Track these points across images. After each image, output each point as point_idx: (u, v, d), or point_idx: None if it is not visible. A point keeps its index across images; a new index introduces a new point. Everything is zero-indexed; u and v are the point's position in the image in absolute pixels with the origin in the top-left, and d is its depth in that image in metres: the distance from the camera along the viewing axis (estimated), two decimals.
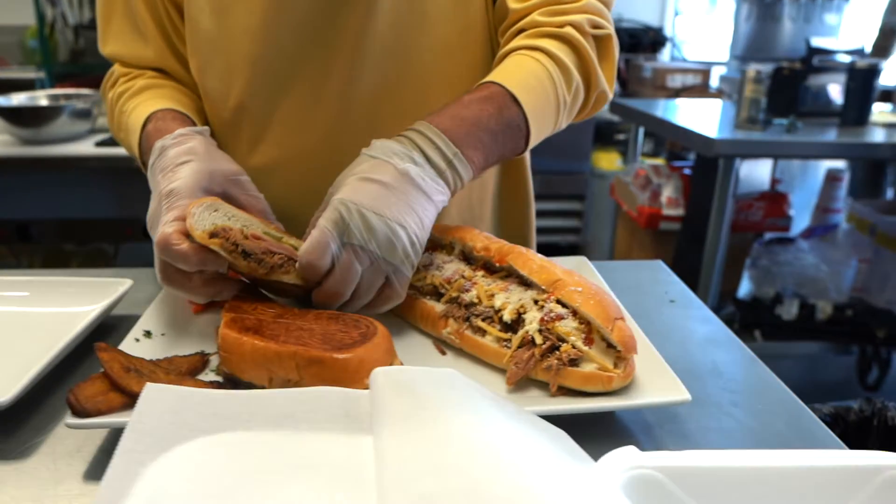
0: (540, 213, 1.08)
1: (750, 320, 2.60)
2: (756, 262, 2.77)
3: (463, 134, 0.70)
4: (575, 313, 0.62)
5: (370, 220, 0.64)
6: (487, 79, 0.75)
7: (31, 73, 3.60)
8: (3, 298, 0.79)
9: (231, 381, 0.60)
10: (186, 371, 0.62)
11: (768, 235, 2.82)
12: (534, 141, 0.77)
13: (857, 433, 1.06)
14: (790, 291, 2.67)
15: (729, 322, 2.64)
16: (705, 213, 2.32)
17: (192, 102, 0.89)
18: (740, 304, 2.70)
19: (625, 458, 0.40)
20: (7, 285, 0.81)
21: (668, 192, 2.61)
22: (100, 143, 2.21)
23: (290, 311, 0.66)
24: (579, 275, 0.66)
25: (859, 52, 2.61)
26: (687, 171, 2.69)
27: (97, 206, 2.46)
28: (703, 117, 2.67)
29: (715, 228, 2.25)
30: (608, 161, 3.80)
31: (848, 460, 0.39)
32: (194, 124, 0.82)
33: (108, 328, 0.77)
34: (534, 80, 0.75)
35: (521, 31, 0.80)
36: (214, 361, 0.65)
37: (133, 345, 0.67)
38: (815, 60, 2.50)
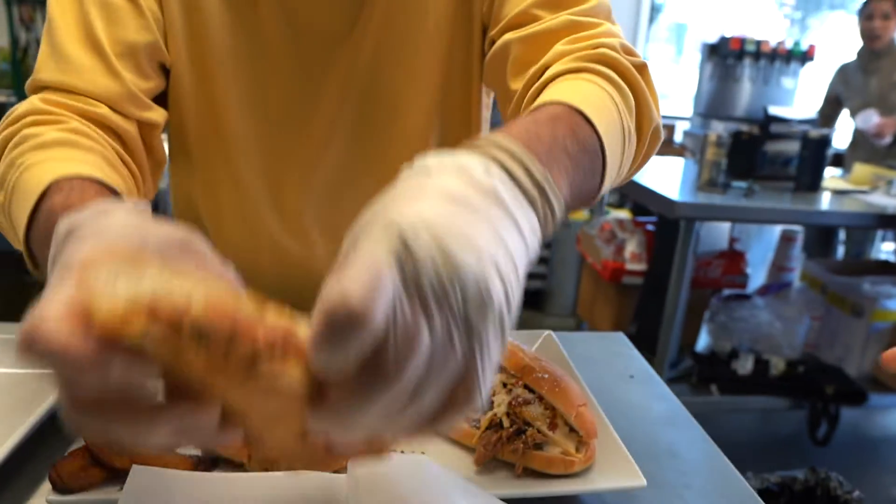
0: None
1: (707, 374, 2.68)
2: (714, 317, 2.86)
3: (544, 153, 0.45)
4: (541, 399, 0.67)
5: (454, 257, 0.33)
6: (539, 102, 0.55)
7: (1, 97, 3.57)
8: None
9: (211, 459, 0.63)
10: None
11: (726, 292, 2.92)
12: (607, 181, 0.55)
13: (801, 501, 1.11)
14: (746, 347, 2.76)
15: (687, 375, 2.72)
16: (667, 270, 2.41)
17: (125, 178, 0.64)
18: (698, 357, 2.78)
19: None
20: None
21: (631, 248, 2.70)
22: None
23: None
24: (547, 361, 0.71)
25: (812, 122, 2.76)
26: (650, 227, 2.78)
27: None
28: (665, 176, 2.78)
29: (675, 285, 2.33)
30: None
31: None
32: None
33: None
34: (596, 98, 0.56)
35: (544, 69, 0.64)
36: None
37: None
38: (772, 128, 2.63)
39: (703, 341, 2.95)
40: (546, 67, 0.64)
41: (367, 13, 0.77)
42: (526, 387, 0.68)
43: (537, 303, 4.00)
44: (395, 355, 0.31)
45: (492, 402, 0.68)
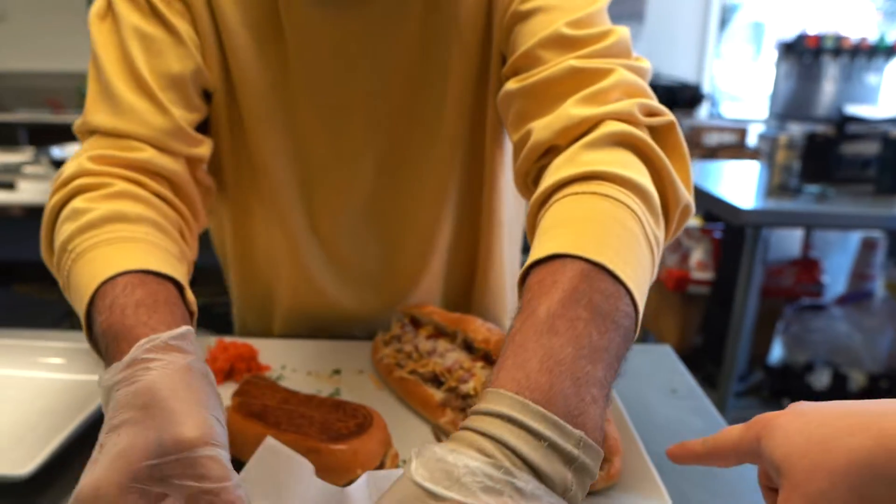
0: None
1: (779, 388, 2.56)
2: (788, 328, 2.73)
3: (573, 394, 0.40)
4: None
5: None
6: (554, 251, 0.46)
7: None
8: (37, 364, 0.85)
9: (234, 462, 0.64)
10: None
11: (801, 302, 2.78)
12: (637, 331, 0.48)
13: None
14: (822, 360, 2.62)
15: (757, 389, 2.60)
16: (735, 279, 2.31)
17: (174, 239, 0.65)
18: (770, 370, 2.66)
19: None
20: (41, 351, 0.86)
21: (697, 256, 2.61)
22: None
23: (295, 397, 0.70)
24: None
25: (893, 121, 2.60)
26: (717, 235, 2.68)
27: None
28: (738, 181, 2.68)
29: (743, 294, 2.24)
30: None
31: None
32: (183, 298, 0.56)
33: None
34: (616, 229, 0.48)
35: (544, 149, 0.61)
36: None
37: None
38: (848, 128, 2.49)
39: (776, 353, 2.82)
40: (547, 148, 0.60)
41: None
42: None
43: None
44: None
45: None
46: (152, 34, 0.71)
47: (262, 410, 0.65)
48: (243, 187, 0.87)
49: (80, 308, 0.54)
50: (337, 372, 0.86)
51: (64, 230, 0.61)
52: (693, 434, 0.80)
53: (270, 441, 0.58)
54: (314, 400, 0.69)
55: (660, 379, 0.93)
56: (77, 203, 0.62)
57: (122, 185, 0.64)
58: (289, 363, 0.87)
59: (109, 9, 0.72)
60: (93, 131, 0.70)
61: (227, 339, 0.87)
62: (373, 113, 0.81)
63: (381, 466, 0.64)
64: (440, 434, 0.73)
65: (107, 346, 0.50)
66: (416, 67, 0.78)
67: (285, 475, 0.55)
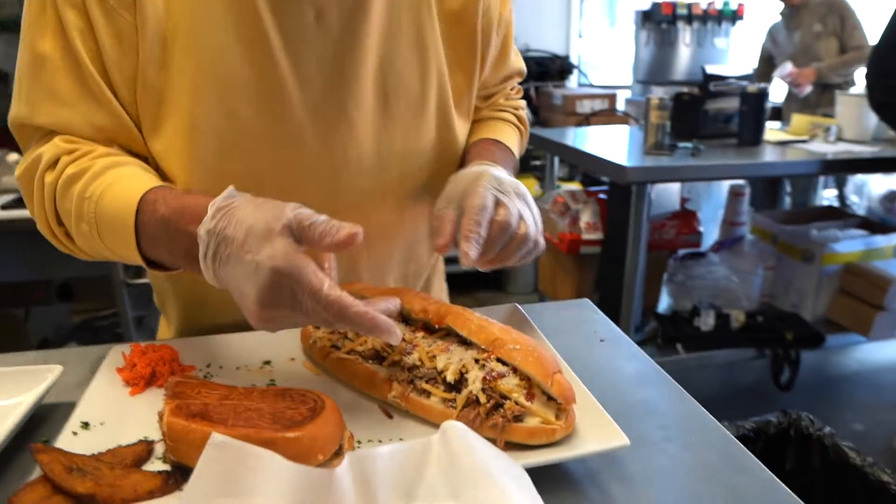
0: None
1: (671, 334, 2.72)
2: (672, 277, 2.91)
3: (512, 170, 0.92)
4: (515, 370, 0.65)
5: (515, 182, 0.79)
6: (499, 139, 0.96)
7: None
8: None
9: (180, 470, 0.60)
10: (132, 462, 0.61)
11: (681, 252, 2.97)
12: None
13: (776, 443, 1.14)
14: (706, 303, 2.81)
15: (653, 337, 2.76)
16: (623, 236, 2.43)
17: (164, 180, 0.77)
18: (661, 318, 2.82)
19: None
20: None
21: (586, 218, 2.71)
22: (4, 206, 2.11)
23: (235, 391, 0.66)
24: (516, 332, 0.69)
25: (749, 78, 2.81)
26: (602, 196, 2.80)
27: (3, 270, 2.34)
28: (612, 144, 2.80)
29: (633, 250, 2.35)
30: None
31: None
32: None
33: (40, 419, 0.74)
34: (515, 137, 1.02)
35: (487, 99, 1.04)
36: (159, 448, 0.64)
37: (71, 439, 0.65)
38: (711, 86, 2.67)
39: (664, 302, 3.00)
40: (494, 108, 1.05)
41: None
42: (499, 360, 0.66)
43: (498, 283, 4.01)
44: (506, 214, 0.73)
45: (465, 379, 0.67)
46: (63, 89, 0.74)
47: (203, 410, 0.61)
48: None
49: (126, 227, 0.69)
50: (267, 363, 0.82)
51: (73, 191, 0.72)
52: (630, 378, 0.83)
53: (216, 437, 0.54)
54: (255, 392, 0.66)
55: (585, 330, 0.96)
56: (70, 170, 0.73)
57: (102, 149, 0.75)
58: (213, 360, 0.82)
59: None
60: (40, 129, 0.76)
61: (143, 344, 0.80)
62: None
63: (339, 449, 0.61)
64: (389, 410, 0.72)
65: (174, 225, 0.66)
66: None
67: (243, 469, 0.52)
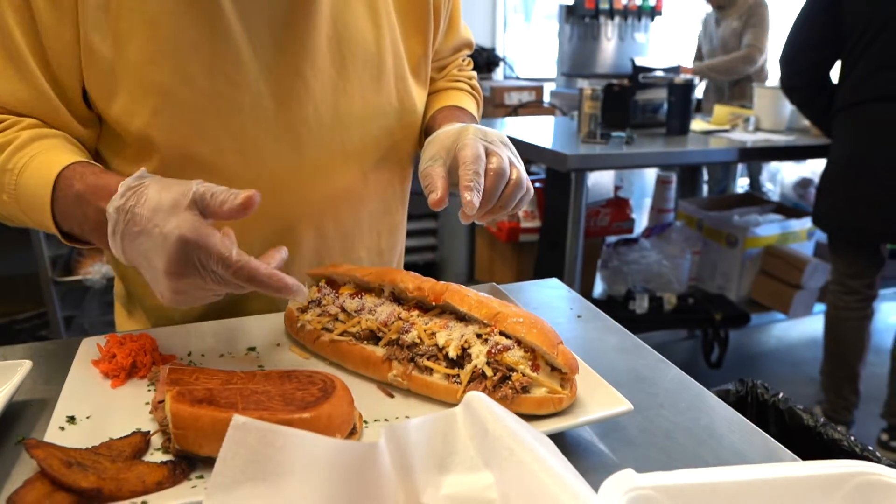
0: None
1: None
2: (607, 263, 2.99)
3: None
4: (519, 343, 0.66)
5: (499, 134, 0.81)
6: (460, 105, 1.00)
7: None
8: None
9: (185, 458, 0.57)
10: (130, 454, 0.58)
11: (614, 238, 3.06)
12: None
13: (737, 410, 1.19)
14: (640, 287, 2.91)
15: None
16: (562, 223, 2.49)
17: (88, 155, 0.79)
18: (597, 303, 2.89)
19: (625, 482, 0.44)
20: None
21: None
22: None
23: (236, 375, 0.63)
24: (515, 306, 0.70)
25: (675, 70, 2.92)
26: (538, 185, 2.85)
27: None
28: (543, 133, 2.86)
29: (573, 236, 2.41)
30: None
31: (825, 469, 0.46)
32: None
33: (13, 417, 0.69)
34: (473, 105, 1.05)
35: (441, 70, 1.08)
36: (156, 439, 0.61)
37: (59, 434, 0.61)
38: (640, 78, 2.76)
39: (598, 287, 3.09)
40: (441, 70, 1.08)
41: None
42: (502, 333, 0.67)
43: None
44: (499, 162, 0.76)
45: (468, 355, 0.67)
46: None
47: (208, 395, 0.59)
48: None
49: (43, 200, 0.71)
50: (252, 349, 0.79)
51: None
52: (614, 350, 0.86)
53: (239, 419, 0.52)
54: (258, 375, 0.64)
55: (561, 307, 0.98)
56: None
57: (28, 120, 0.76)
58: (195, 349, 0.79)
59: None
60: None
61: (120, 334, 0.76)
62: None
63: (353, 428, 0.60)
64: (389, 389, 0.71)
65: (87, 201, 0.68)
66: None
67: (271, 449, 0.50)
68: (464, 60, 1.11)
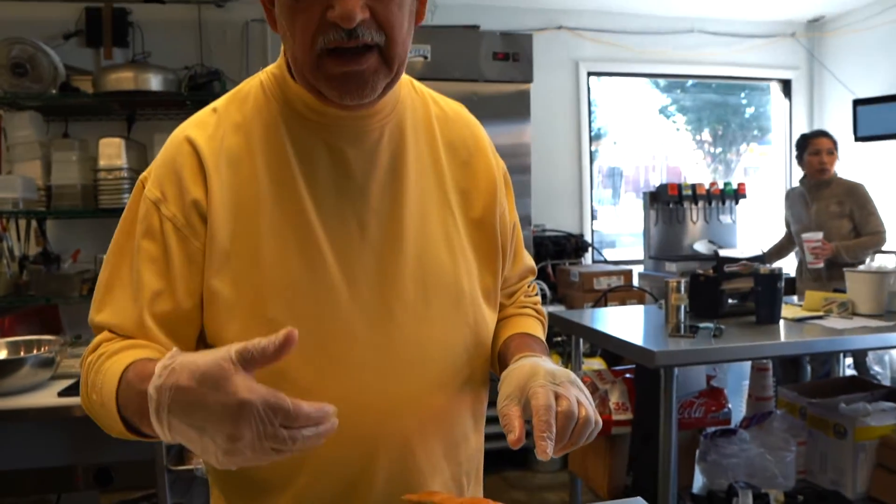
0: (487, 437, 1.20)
1: None
2: (705, 456, 2.89)
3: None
4: None
5: (567, 373, 0.90)
6: (529, 332, 1.10)
7: None
8: None
9: None
10: None
11: (710, 429, 2.97)
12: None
13: None
14: (742, 482, 2.77)
15: None
16: (653, 416, 2.47)
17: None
18: (697, 499, 2.77)
19: None
20: None
21: (615, 398, 2.77)
22: (63, 393, 2.15)
23: None
24: None
25: (760, 259, 2.97)
26: (629, 375, 2.87)
27: (49, 455, 2.35)
28: (632, 324, 2.92)
29: (665, 432, 2.38)
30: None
31: None
32: None
33: None
34: (540, 329, 1.16)
35: (510, 297, 1.20)
36: None
37: None
38: (725, 268, 2.83)
39: (698, 481, 2.95)
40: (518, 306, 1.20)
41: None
42: None
43: (525, 461, 3.96)
44: (568, 405, 0.84)
45: None
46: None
47: None
48: None
49: (111, 397, 0.79)
50: None
51: (93, 363, 0.86)
52: None
53: None
54: None
55: None
56: (101, 350, 0.87)
57: (137, 339, 0.87)
58: None
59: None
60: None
61: None
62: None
63: None
64: None
65: (133, 387, 0.76)
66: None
67: None
68: (529, 286, 1.23)
